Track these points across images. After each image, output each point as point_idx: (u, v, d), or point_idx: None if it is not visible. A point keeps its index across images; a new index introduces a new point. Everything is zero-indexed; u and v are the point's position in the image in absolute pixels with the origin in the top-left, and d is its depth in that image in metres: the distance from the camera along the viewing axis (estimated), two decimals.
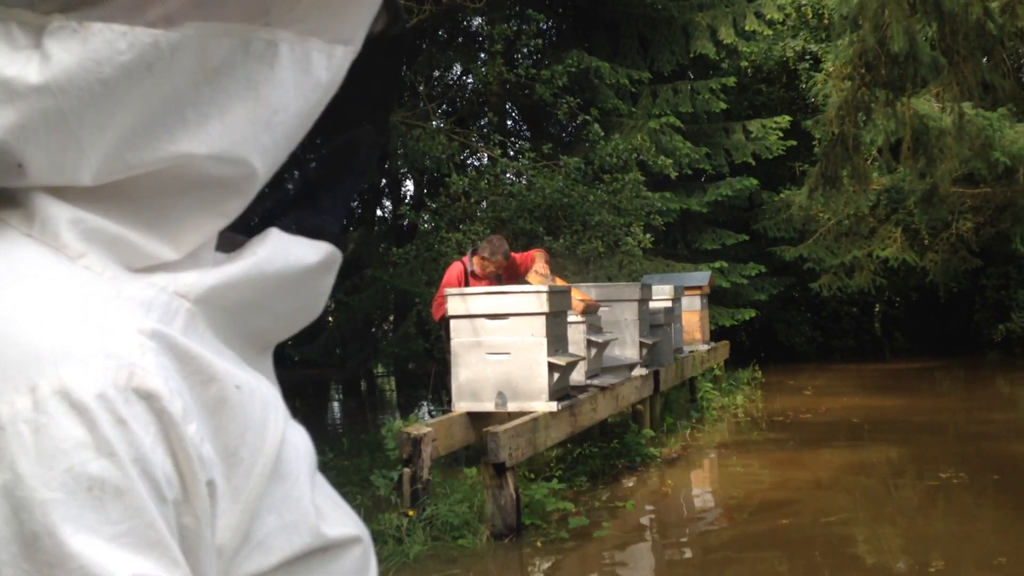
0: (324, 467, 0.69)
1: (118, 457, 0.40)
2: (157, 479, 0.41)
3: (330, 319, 14.35)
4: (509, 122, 15.11)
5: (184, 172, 0.47)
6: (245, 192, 0.49)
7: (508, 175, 11.58)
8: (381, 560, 4.63)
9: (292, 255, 0.53)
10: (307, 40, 0.48)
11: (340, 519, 0.57)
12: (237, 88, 0.46)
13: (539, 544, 5.07)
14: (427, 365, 11.05)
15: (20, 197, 0.46)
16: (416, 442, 5.05)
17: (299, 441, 0.54)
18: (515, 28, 13.00)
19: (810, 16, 16.72)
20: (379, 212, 15.54)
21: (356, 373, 13.63)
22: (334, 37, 0.49)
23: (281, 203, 0.57)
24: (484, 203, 11.20)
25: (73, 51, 0.42)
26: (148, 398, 0.41)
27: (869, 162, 11.88)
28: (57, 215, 0.45)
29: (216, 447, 0.46)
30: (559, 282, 6.62)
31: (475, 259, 6.61)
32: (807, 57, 16.31)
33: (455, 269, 6.63)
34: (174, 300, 0.47)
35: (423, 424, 5.46)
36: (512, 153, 12.65)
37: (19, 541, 0.39)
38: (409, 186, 15.36)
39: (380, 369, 14.83)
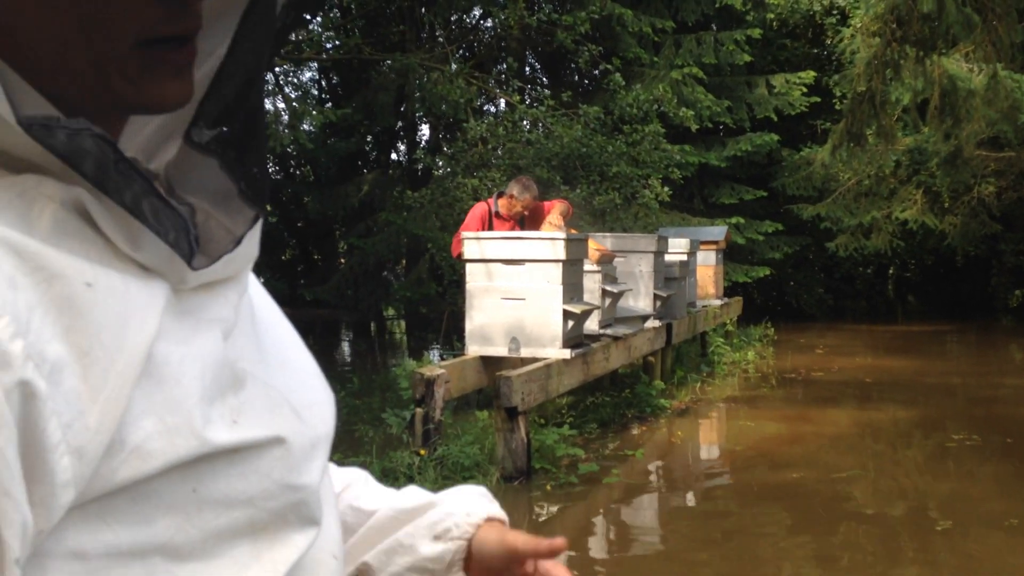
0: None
1: None
2: None
3: (342, 260, 14.36)
4: (527, 69, 14.91)
5: None
6: None
7: (525, 122, 11.44)
8: None
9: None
10: None
11: (260, 421, 0.57)
12: None
13: (548, 488, 5.10)
14: (439, 309, 11.07)
15: None
16: (430, 383, 5.06)
17: (199, 349, 0.54)
18: None
19: None
20: (394, 156, 15.45)
21: (366, 315, 13.68)
22: None
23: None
24: (500, 150, 11.09)
25: None
26: None
27: (894, 120, 11.69)
28: None
29: (68, 346, 0.47)
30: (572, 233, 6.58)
31: (501, 200, 6.55)
32: (834, 12, 15.97)
33: (479, 209, 6.58)
34: (39, 200, 0.48)
35: (437, 366, 5.46)
36: (529, 100, 12.49)
37: None
38: (425, 130, 15.23)
39: (390, 312, 14.88)
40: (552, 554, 0.76)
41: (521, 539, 0.76)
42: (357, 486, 0.83)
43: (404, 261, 13.60)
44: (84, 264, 0.49)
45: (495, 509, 0.81)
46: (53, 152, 0.49)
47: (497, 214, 6.53)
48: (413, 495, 0.81)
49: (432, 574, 0.78)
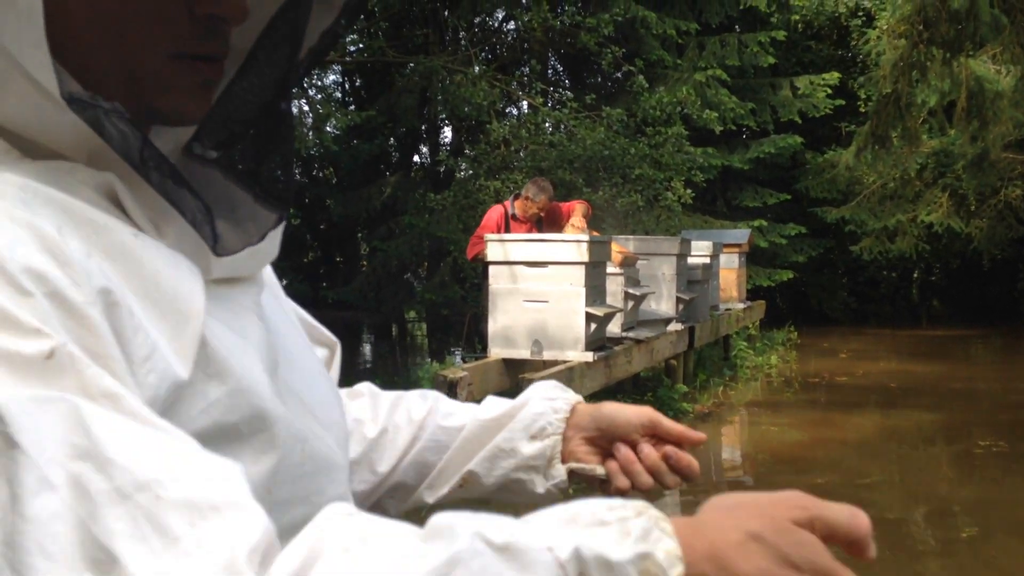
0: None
1: None
2: (13, 273, 0.45)
3: (364, 263, 14.44)
4: (550, 71, 14.91)
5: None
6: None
7: (548, 124, 11.45)
8: None
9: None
10: None
11: (297, 411, 0.61)
12: None
13: (571, 491, 5.09)
14: (461, 311, 11.09)
15: None
16: (452, 385, 5.07)
17: (247, 329, 0.58)
18: None
19: None
20: (416, 158, 15.50)
21: (388, 317, 13.74)
22: None
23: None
24: (523, 152, 11.10)
25: None
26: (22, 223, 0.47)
27: (919, 123, 11.58)
28: None
29: (132, 288, 0.49)
30: (594, 235, 6.56)
31: (517, 202, 6.56)
32: (860, 13, 15.85)
33: (495, 212, 6.59)
34: (74, 184, 0.52)
35: (459, 368, 5.48)
36: (552, 103, 12.50)
37: None
38: (447, 133, 15.27)
39: (412, 314, 14.93)
40: (695, 444, 0.82)
41: (669, 421, 0.82)
42: (439, 408, 0.88)
43: (426, 263, 13.64)
44: (129, 225, 0.53)
45: (574, 396, 0.87)
46: (91, 125, 0.51)
47: (513, 216, 6.54)
48: (495, 405, 0.87)
49: (536, 470, 0.84)
